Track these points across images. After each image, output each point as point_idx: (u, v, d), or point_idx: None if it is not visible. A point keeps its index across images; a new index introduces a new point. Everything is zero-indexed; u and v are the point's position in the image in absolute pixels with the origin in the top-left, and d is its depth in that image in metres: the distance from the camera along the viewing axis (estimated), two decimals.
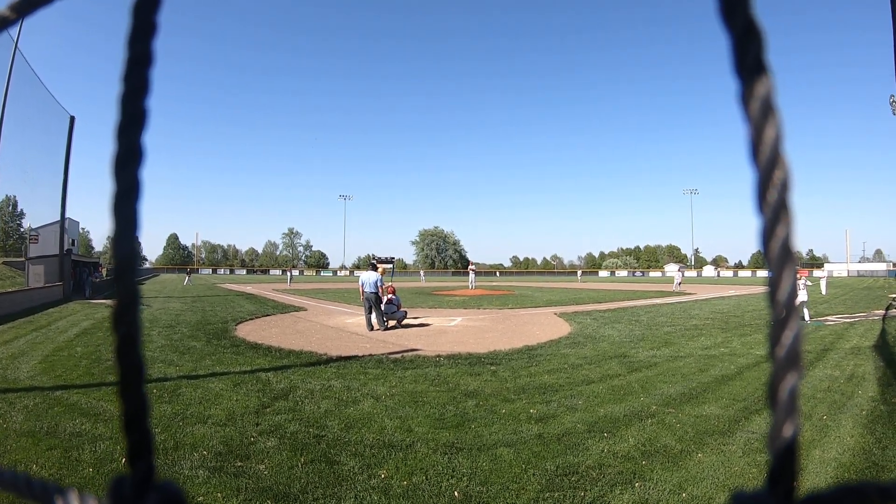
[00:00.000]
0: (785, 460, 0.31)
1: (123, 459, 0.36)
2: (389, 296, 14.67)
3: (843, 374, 8.09)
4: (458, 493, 4.10)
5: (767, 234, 0.31)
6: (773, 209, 0.31)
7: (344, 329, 14.33)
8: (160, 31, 0.39)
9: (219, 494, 3.99)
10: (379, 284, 14.19)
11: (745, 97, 0.32)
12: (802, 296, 15.60)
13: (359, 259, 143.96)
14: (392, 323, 14.74)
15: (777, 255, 0.31)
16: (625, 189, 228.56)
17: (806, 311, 16.29)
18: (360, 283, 14.54)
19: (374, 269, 14.86)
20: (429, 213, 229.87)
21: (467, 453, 4.92)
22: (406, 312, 15.21)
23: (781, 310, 0.31)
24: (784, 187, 0.31)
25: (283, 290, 37.91)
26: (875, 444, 5.11)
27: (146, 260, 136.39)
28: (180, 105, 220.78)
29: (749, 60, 0.32)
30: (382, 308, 14.20)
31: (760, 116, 0.32)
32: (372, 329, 14.04)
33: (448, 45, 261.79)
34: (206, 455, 4.78)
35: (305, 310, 20.32)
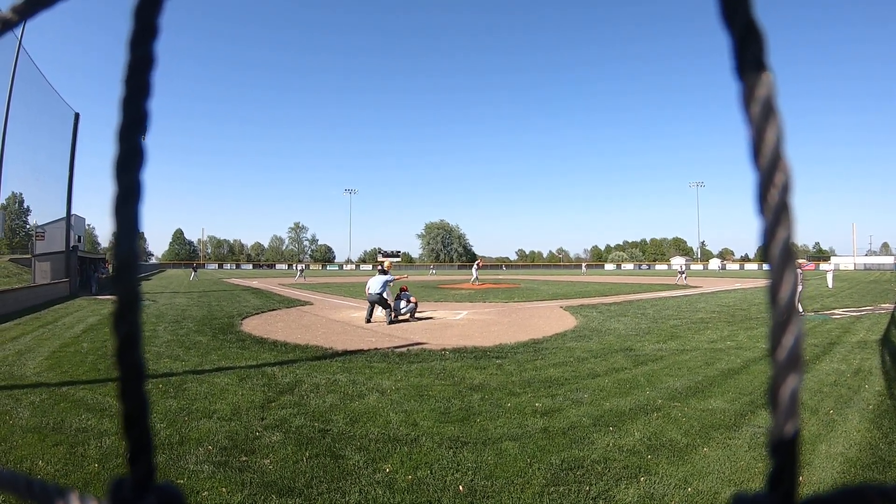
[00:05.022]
0: (785, 462, 0.31)
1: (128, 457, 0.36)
2: (405, 294, 14.83)
3: (849, 369, 8.06)
4: (463, 487, 4.11)
5: (768, 236, 0.31)
6: (774, 211, 0.31)
7: (350, 323, 14.37)
8: (162, 32, 0.39)
9: (223, 489, 4.01)
10: (388, 283, 14.35)
11: (746, 98, 0.32)
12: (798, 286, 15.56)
13: (364, 253, 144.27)
14: (405, 316, 14.86)
15: (778, 256, 0.31)
16: (631, 182, 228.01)
17: (799, 305, 16.23)
18: (367, 285, 14.72)
19: (384, 272, 15.10)
20: (434, 206, 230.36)
21: (472, 447, 4.93)
22: (416, 304, 15.28)
23: (782, 312, 0.31)
24: (785, 189, 0.31)
25: (290, 284, 38.04)
26: (882, 439, 5.10)
27: (152, 255, 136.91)
28: (185, 101, 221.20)
29: (749, 61, 0.32)
30: (391, 304, 14.31)
31: (761, 118, 0.31)
32: (368, 321, 14.25)
33: (454, 40, 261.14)
34: (211, 450, 4.81)
35: (311, 304, 20.37)
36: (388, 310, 14.13)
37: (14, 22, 0.50)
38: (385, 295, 14.25)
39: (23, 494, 0.40)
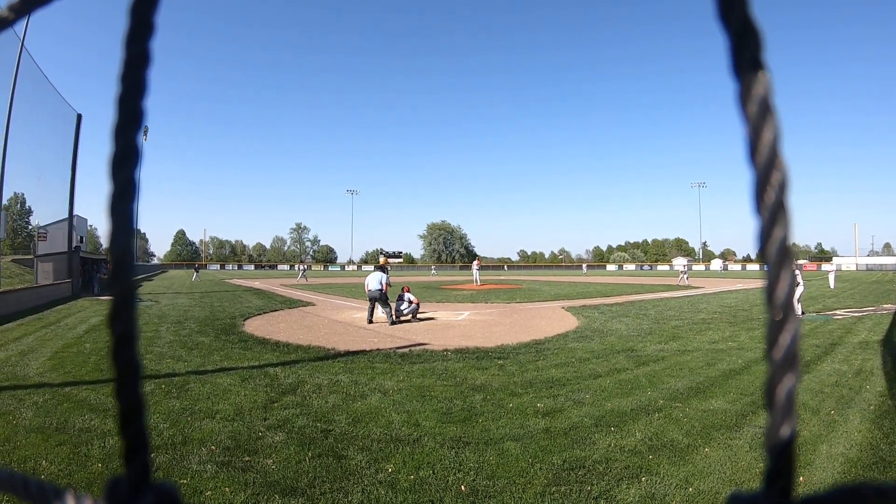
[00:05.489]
0: (782, 461, 0.31)
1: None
2: (407, 295, 14.83)
3: (851, 369, 8.04)
4: (465, 487, 4.11)
5: (765, 235, 0.31)
6: (771, 210, 0.31)
7: (352, 324, 14.37)
8: (159, 30, 0.39)
9: (227, 489, 4.01)
10: (383, 282, 14.34)
11: (743, 97, 0.32)
12: (798, 289, 15.47)
13: (366, 254, 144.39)
14: (407, 317, 14.86)
15: (774, 256, 0.31)
16: (632, 183, 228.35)
17: (799, 305, 16.13)
18: (365, 282, 14.71)
19: (383, 270, 15.14)
20: (436, 207, 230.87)
21: (474, 447, 4.93)
22: (419, 305, 15.27)
23: (778, 311, 0.31)
24: (782, 188, 0.31)
25: (292, 285, 38.07)
26: (882, 440, 5.09)
27: (154, 256, 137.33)
28: (187, 102, 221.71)
29: (746, 60, 0.32)
30: (394, 305, 14.32)
31: (758, 117, 0.31)
32: (370, 322, 14.24)
33: (455, 40, 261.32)
34: (214, 450, 4.81)
35: (313, 305, 20.38)
36: (388, 309, 14.13)
37: (11, 20, 0.50)
38: (384, 291, 14.28)
39: (20, 494, 0.40)
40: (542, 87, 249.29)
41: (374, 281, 14.34)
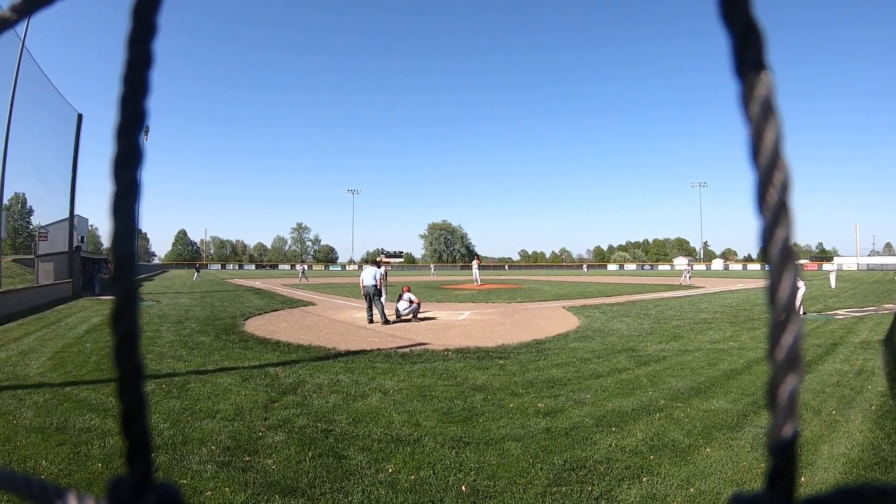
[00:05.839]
0: (784, 462, 0.31)
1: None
2: (407, 294, 14.87)
3: (852, 369, 8.04)
4: (466, 487, 4.11)
5: (767, 236, 0.31)
6: (773, 211, 0.31)
7: (352, 324, 14.37)
8: (161, 31, 0.39)
9: (227, 489, 4.01)
10: (378, 277, 14.45)
11: (745, 98, 0.32)
12: (800, 291, 15.44)
13: (367, 253, 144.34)
14: (408, 317, 14.88)
15: (777, 256, 0.31)
16: (633, 182, 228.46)
17: (800, 306, 16.06)
18: (360, 278, 14.80)
19: (377, 265, 15.27)
20: (437, 207, 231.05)
21: (475, 447, 4.93)
22: (419, 305, 15.29)
23: (781, 312, 0.31)
24: (784, 189, 0.31)
25: (293, 284, 38.05)
26: (884, 440, 5.08)
27: (155, 256, 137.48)
28: (187, 103, 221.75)
29: (749, 61, 0.31)
30: (394, 305, 14.36)
31: (761, 117, 0.31)
32: (371, 322, 14.25)
33: (455, 41, 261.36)
34: (214, 450, 4.81)
35: (314, 304, 20.37)
36: (381, 307, 14.15)
37: (13, 21, 0.50)
38: (379, 287, 14.38)
39: (22, 494, 0.40)
40: (542, 87, 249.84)
41: (368, 276, 14.49)
